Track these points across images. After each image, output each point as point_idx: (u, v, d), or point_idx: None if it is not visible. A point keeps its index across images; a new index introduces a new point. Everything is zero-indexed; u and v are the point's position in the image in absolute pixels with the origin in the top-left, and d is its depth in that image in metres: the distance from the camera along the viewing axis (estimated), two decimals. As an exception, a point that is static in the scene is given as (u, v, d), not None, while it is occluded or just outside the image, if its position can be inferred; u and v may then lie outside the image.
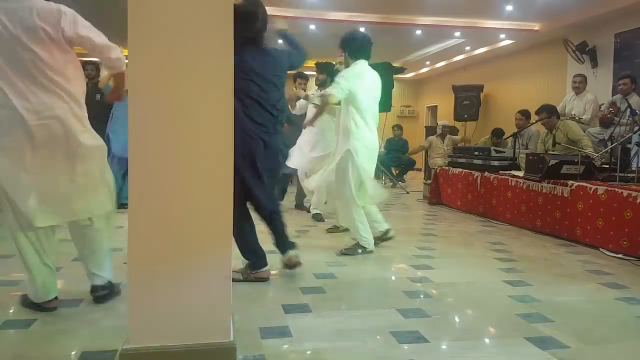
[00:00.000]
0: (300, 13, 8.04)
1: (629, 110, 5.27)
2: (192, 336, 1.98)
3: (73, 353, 2.18)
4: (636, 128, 4.96)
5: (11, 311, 2.65)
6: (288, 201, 6.87)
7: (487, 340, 2.50)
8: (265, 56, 3.19)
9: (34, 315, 2.57)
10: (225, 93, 1.99)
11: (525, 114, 7.24)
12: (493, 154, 6.64)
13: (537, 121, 6.56)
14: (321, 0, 7.62)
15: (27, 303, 2.64)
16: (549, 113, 6.13)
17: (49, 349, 2.23)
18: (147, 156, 1.94)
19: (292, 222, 5.63)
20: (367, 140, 4.01)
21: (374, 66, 4.24)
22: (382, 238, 4.35)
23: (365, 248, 4.11)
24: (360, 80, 3.95)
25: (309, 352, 2.26)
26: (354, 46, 4.06)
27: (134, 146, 1.93)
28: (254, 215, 3.32)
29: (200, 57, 1.96)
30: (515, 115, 7.40)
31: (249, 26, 3.09)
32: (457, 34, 9.60)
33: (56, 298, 2.65)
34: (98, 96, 6.73)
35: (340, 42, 4.11)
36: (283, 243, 3.40)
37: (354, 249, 4.12)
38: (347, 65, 4.07)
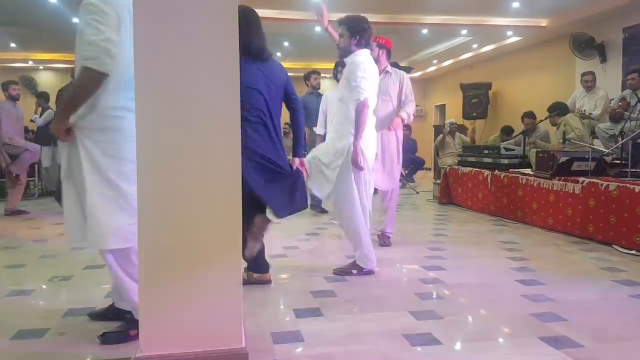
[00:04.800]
0: (305, 15, 8.04)
1: (639, 105, 5.22)
2: (204, 343, 1.98)
3: (87, 361, 2.19)
4: (647, 122, 4.92)
5: (25, 320, 2.67)
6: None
7: (500, 341, 2.48)
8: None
9: (48, 324, 2.59)
10: (232, 99, 2.00)
11: (529, 115, 7.28)
12: (503, 152, 6.62)
13: (545, 118, 6.58)
14: (326, 2, 7.61)
15: None
16: (551, 111, 6.38)
17: (63, 358, 2.24)
18: (155, 163, 1.95)
19: (303, 225, 5.65)
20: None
21: (403, 71, 4.34)
22: None
23: (362, 268, 3.61)
24: (372, 73, 3.63)
25: (321, 357, 2.25)
26: (367, 35, 3.63)
27: (142, 154, 1.94)
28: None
29: (207, 60, 1.96)
30: (522, 120, 7.44)
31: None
32: (464, 32, 9.58)
33: None
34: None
35: (347, 24, 3.62)
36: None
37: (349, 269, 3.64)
38: (349, 51, 3.60)
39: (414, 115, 4.64)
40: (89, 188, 2.25)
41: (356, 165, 3.43)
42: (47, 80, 13.37)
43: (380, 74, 4.47)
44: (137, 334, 2.28)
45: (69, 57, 10.94)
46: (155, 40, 1.92)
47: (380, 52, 4.51)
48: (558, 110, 6.34)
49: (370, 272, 3.58)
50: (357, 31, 3.58)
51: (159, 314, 1.96)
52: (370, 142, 3.60)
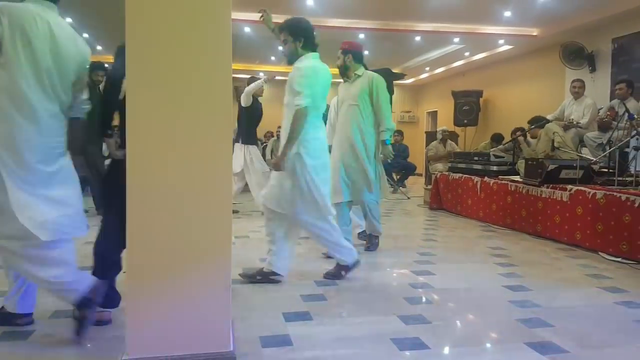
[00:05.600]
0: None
1: (626, 114, 5.30)
2: (191, 346, 1.98)
3: (74, 363, 2.18)
4: (634, 132, 4.98)
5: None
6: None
7: (487, 346, 2.50)
8: None
9: (33, 326, 2.56)
10: (224, 103, 2.01)
11: (521, 131, 7.45)
12: (492, 159, 6.67)
13: (528, 130, 6.71)
14: (321, 7, 7.65)
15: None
16: (532, 124, 6.76)
17: (49, 360, 2.23)
18: (146, 166, 1.96)
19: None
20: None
21: (374, 72, 4.28)
22: None
23: (346, 265, 3.58)
24: (319, 79, 3.40)
25: (309, 360, 2.27)
26: (311, 36, 3.44)
27: (132, 157, 1.95)
28: None
29: (200, 63, 1.98)
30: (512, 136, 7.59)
31: None
32: (456, 39, 9.65)
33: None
34: None
35: (288, 28, 3.42)
36: None
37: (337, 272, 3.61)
38: (296, 55, 3.41)
39: (394, 126, 4.34)
40: (9, 185, 2.21)
41: (274, 165, 3.26)
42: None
43: (350, 78, 4.41)
44: (95, 315, 2.36)
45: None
46: (147, 42, 1.93)
47: (346, 57, 4.30)
48: (539, 122, 6.53)
49: (356, 264, 3.55)
50: (299, 33, 3.38)
51: (146, 315, 1.96)
52: (319, 152, 3.38)
